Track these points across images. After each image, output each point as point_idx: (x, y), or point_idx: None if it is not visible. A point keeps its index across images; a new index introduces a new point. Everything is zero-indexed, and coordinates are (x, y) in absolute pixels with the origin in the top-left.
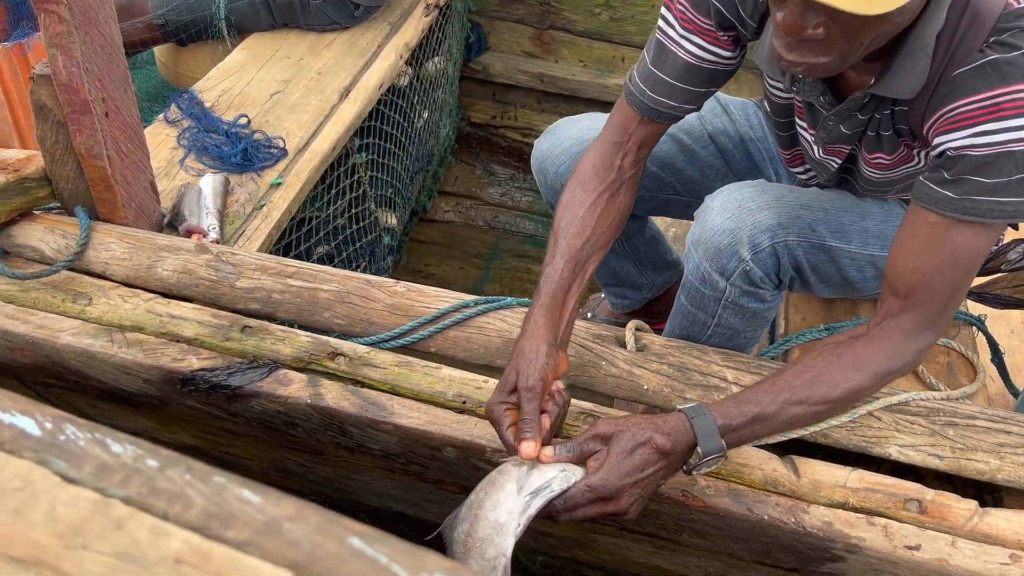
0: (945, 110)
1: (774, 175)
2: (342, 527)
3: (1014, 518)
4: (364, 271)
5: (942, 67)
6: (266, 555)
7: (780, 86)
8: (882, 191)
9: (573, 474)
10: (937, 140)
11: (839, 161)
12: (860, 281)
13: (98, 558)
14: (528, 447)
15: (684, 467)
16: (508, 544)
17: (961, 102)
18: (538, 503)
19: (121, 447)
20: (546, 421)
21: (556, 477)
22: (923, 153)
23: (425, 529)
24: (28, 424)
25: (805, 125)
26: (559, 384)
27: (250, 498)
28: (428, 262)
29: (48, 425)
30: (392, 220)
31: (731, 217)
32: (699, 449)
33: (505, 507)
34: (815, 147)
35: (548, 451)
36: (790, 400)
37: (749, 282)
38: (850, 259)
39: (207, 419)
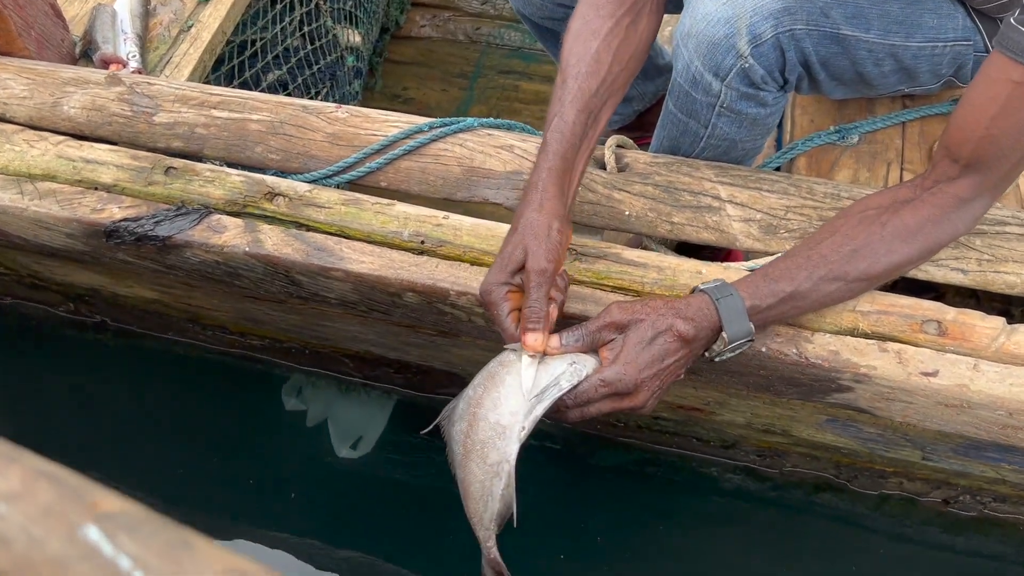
0: None
1: None
2: (85, 507)
3: None
4: (327, 98)
5: None
6: None
7: None
8: None
9: (584, 366)
10: None
11: None
12: (877, 77)
13: None
14: (535, 339)
15: (707, 353)
16: (512, 450)
17: None
18: (545, 404)
19: None
20: (553, 311)
21: (565, 372)
22: None
23: (410, 371)
24: None
25: None
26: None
27: None
28: (406, 85)
29: None
30: (355, 38)
31: (727, 2)
32: (725, 335)
33: (507, 407)
34: None
35: (555, 341)
36: (827, 276)
37: (748, 83)
38: (867, 51)
39: (153, 273)
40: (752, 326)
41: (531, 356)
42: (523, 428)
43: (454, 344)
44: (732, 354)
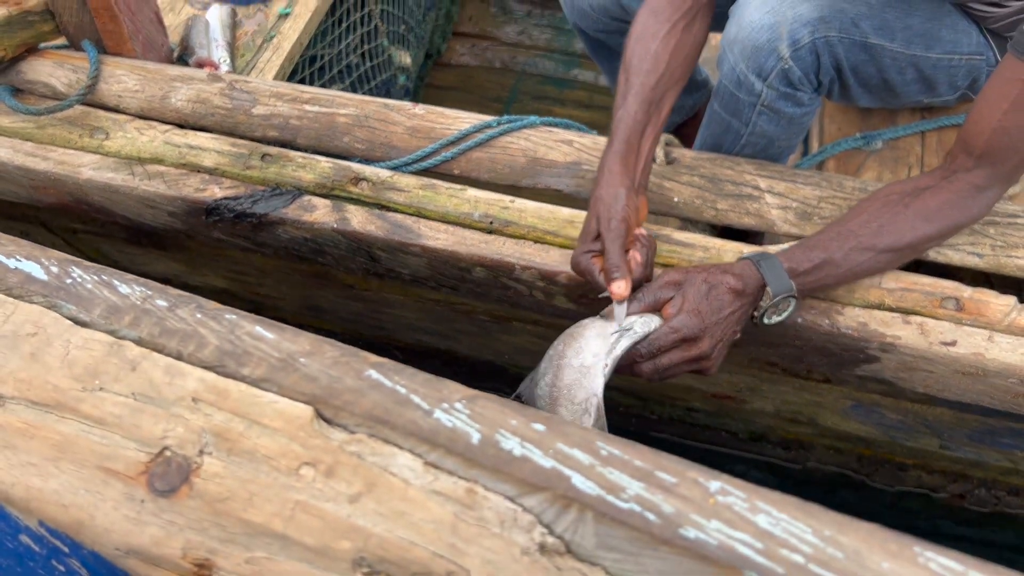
0: None
1: None
2: (360, 360)
3: None
4: None
5: None
6: (284, 391)
7: None
8: None
9: (652, 320)
10: None
11: None
12: (900, 84)
13: (117, 399)
14: (619, 286)
15: (754, 313)
16: (598, 384)
17: None
18: (624, 343)
19: (128, 288)
20: (633, 261)
21: (637, 321)
22: None
23: (458, 362)
24: (34, 269)
25: None
26: (642, 229)
27: (263, 334)
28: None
29: (54, 269)
30: (406, 59)
31: (770, 11)
32: (769, 289)
33: (590, 351)
34: None
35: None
36: (857, 247)
37: (787, 83)
38: (891, 59)
39: (235, 255)
40: (792, 284)
41: (619, 304)
42: (606, 365)
43: (504, 331)
44: (778, 316)
